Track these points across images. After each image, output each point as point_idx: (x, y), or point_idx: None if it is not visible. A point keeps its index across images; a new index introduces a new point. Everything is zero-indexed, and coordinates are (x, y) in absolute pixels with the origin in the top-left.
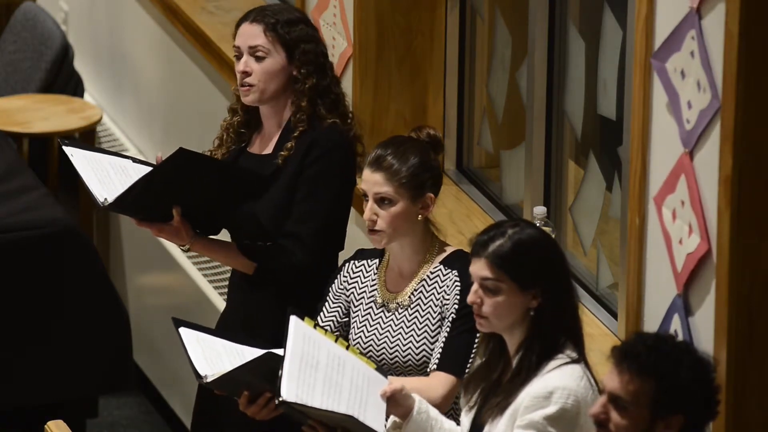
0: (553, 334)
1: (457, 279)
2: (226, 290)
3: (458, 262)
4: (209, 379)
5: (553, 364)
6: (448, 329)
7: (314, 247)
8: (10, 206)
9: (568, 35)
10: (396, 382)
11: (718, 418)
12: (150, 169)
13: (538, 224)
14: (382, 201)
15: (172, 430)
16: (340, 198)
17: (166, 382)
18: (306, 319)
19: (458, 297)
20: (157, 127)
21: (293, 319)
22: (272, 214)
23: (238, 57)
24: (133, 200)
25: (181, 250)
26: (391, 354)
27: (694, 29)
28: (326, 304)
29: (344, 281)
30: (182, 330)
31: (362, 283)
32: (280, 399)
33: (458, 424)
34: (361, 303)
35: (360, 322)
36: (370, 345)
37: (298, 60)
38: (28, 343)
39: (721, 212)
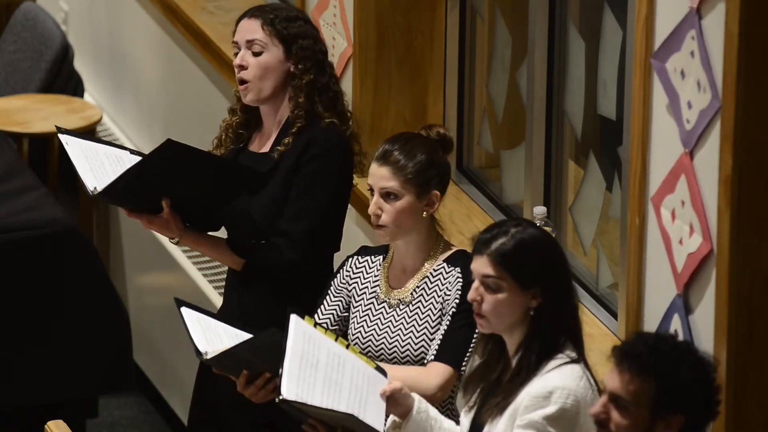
0: (553, 334)
1: (460, 276)
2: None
3: (461, 260)
4: (209, 356)
5: (552, 363)
6: (447, 322)
7: (305, 245)
8: (10, 206)
9: (568, 35)
10: (395, 381)
11: (718, 418)
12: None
13: (538, 224)
14: (387, 195)
15: (172, 430)
16: (336, 198)
17: (166, 382)
18: (306, 317)
19: (460, 293)
20: (157, 127)
21: (293, 318)
22: (267, 209)
23: (237, 52)
24: (122, 190)
25: (171, 242)
26: (389, 349)
27: (694, 29)
28: (327, 297)
29: (346, 276)
30: (184, 309)
31: (365, 278)
32: (281, 398)
33: (458, 423)
34: (363, 298)
35: (360, 317)
36: (370, 340)
37: (296, 56)
38: (28, 343)
39: (721, 212)
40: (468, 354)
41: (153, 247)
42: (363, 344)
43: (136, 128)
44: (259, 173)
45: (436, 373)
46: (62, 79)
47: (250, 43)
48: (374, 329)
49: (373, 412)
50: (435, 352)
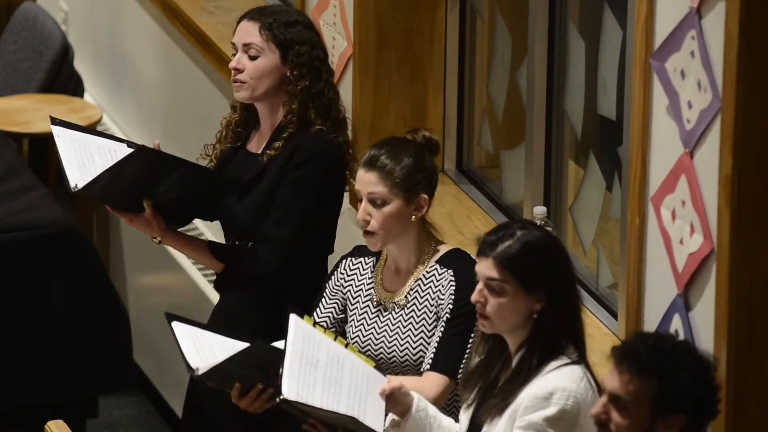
0: (556, 336)
1: (452, 279)
2: None
3: (454, 261)
4: (200, 372)
5: (553, 364)
6: (442, 329)
7: (285, 252)
8: (10, 206)
9: (568, 35)
10: (395, 380)
11: (718, 418)
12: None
13: (538, 224)
14: (375, 201)
15: (172, 430)
16: (321, 205)
17: (166, 382)
18: (305, 317)
19: (453, 297)
20: (157, 127)
21: (293, 317)
22: (252, 213)
23: (235, 53)
24: (100, 190)
25: (153, 241)
26: (388, 353)
27: (694, 29)
28: (322, 300)
29: (341, 278)
30: (175, 324)
31: (359, 280)
32: (282, 397)
33: (457, 420)
34: (358, 301)
35: (357, 321)
36: (368, 344)
37: (292, 61)
38: (27, 343)
39: (721, 212)
40: (464, 359)
41: (153, 247)
42: (361, 349)
43: (136, 128)
44: (234, 182)
45: (432, 383)
46: (62, 79)
47: (246, 47)
48: (371, 334)
49: (373, 411)
50: (430, 361)
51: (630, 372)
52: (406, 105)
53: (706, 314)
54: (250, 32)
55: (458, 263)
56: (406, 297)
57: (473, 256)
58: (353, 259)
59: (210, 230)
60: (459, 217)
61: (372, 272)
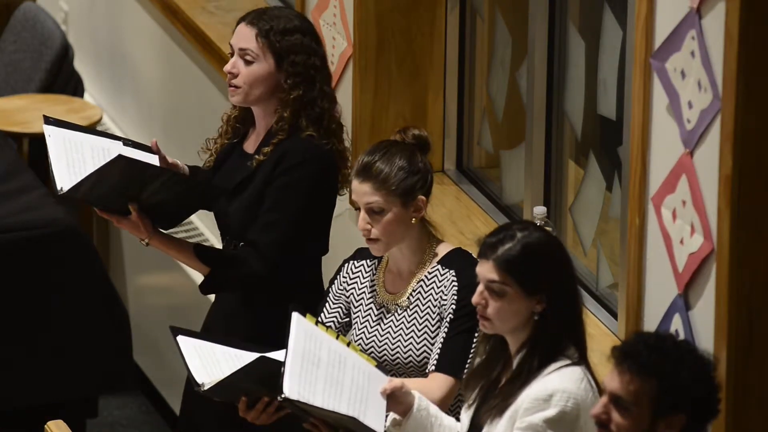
0: (556, 337)
1: (455, 279)
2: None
3: (455, 261)
4: (206, 387)
5: (553, 366)
6: (446, 330)
7: (271, 257)
8: (10, 206)
9: (568, 35)
10: (396, 379)
11: (718, 418)
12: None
13: (538, 224)
14: (373, 210)
15: (172, 430)
16: (309, 210)
17: (166, 382)
18: (308, 315)
19: (455, 297)
20: (157, 127)
21: (295, 316)
22: (241, 216)
23: (232, 55)
24: (85, 194)
25: (141, 243)
26: (392, 355)
27: (694, 29)
28: (327, 304)
29: (344, 282)
30: (180, 338)
31: (361, 283)
32: (283, 396)
33: (458, 419)
34: (361, 304)
35: (360, 324)
36: (372, 347)
37: (286, 70)
38: (27, 343)
39: (721, 212)
40: (468, 359)
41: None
42: (365, 351)
43: (136, 128)
44: (220, 190)
45: (438, 385)
46: (62, 79)
47: (243, 51)
48: (375, 336)
49: (374, 411)
50: (435, 362)
51: (630, 372)
52: (406, 105)
53: (706, 314)
54: (247, 37)
55: (460, 263)
56: (408, 298)
57: (473, 256)
58: (355, 262)
59: (210, 231)
60: (459, 217)
61: (374, 275)
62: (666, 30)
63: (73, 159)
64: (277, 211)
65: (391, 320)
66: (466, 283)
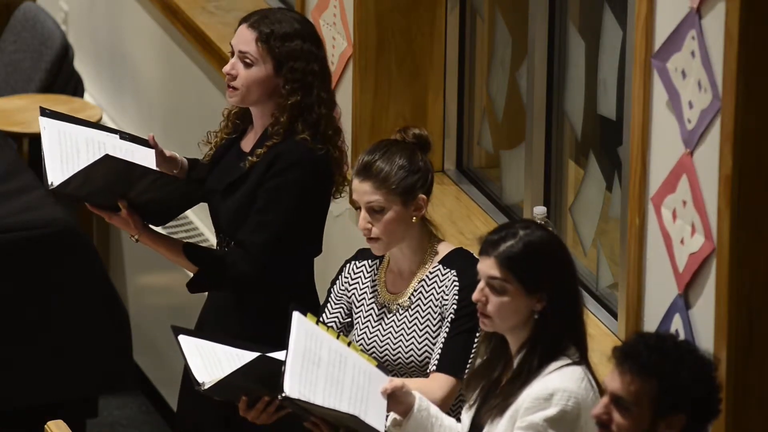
0: (557, 337)
1: (456, 279)
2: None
3: (456, 261)
4: (206, 387)
5: (553, 365)
6: (447, 330)
7: (259, 258)
8: (10, 206)
9: (568, 35)
10: (397, 379)
11: (718, 418)
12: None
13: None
14: (373, 209)
15: (172, 430)
16: (299, 213)
17: (166, 382)
18: (308, 315)
19: (457, 297)
20: (157, 127)
21: (296, 315)
22: (232, 216)
23: (232, 54)
24: (75, 190)
25: (131, 240)
26: (394, 355)
27: (694, 29)
28: (328, 305)
29: (345, 282)
30: (181, 338)
31: (363, 284)
32: (284, 395)
33: (459, 420)
34: (362, 304)
35: (362, 324)
36: (373, 347)
37: (285, 76)
38: (27, 343)
39: (721, 212)
40: (470, 359)
41: None
42: (367, 352)
43: (136, 128)
44: (210, 192)
45: (439, 385)
46: (62, 79)
47: (242, 54)
48: (376, 336)
49: (375, 411)
50: (436, 362)
51: (631, 372)
52: (406, 105)
53: (707, 314)
54: (247, 40)
55: (461, 263)
56: (410, 298)
57: (474, 256)
58: (356, 262)
59: (209, 229)
60: (459, 217)
61: (375, 275)
62: (666, 30)
63: (67, 152)
64: (267, 212)
65: (393, 320)
66: (468, 283)
